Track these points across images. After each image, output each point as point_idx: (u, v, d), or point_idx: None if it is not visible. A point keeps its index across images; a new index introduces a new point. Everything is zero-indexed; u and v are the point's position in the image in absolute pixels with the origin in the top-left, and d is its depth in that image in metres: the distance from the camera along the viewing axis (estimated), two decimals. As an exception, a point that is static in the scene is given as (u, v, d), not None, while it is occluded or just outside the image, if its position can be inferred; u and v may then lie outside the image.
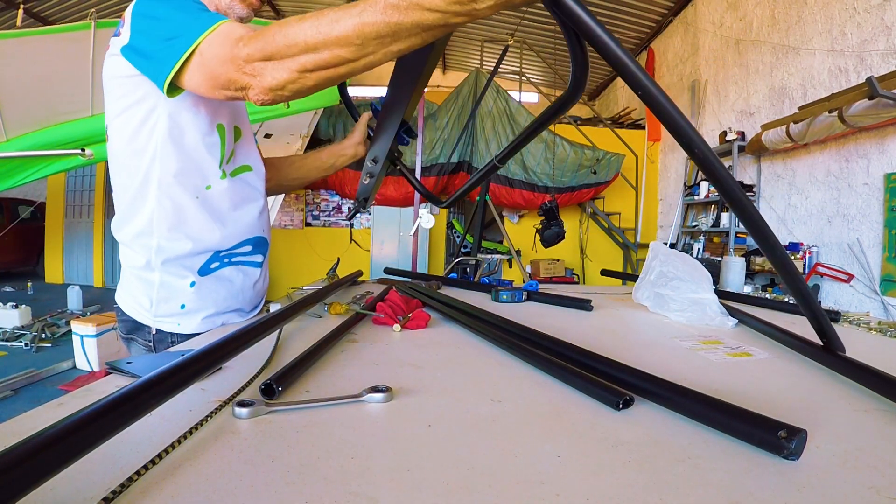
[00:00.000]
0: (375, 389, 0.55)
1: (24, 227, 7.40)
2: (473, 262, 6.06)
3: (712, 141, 5.76)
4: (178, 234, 0.90)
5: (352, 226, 7.34)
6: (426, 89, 5.25)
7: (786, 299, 1.52)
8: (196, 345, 0.83)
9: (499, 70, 5.91)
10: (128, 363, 0.63)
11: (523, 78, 7.27)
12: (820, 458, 0.43)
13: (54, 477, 0.30)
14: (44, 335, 4.51)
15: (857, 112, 3.47)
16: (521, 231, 7.10)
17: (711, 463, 0.42)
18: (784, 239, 4.68)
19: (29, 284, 7.33)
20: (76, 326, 3.71)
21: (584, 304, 1.25)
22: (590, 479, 0.39)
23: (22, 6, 6.04)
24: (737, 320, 1.06)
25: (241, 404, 0.49)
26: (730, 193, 0.56)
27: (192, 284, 0.92)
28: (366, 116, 1.28)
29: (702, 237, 5.76)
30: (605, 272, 1.96)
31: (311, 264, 6.61)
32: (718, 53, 5.84)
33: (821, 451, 0.45)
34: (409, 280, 1.73)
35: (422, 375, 0.66)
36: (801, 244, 4.40)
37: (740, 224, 5.07)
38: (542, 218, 4.96)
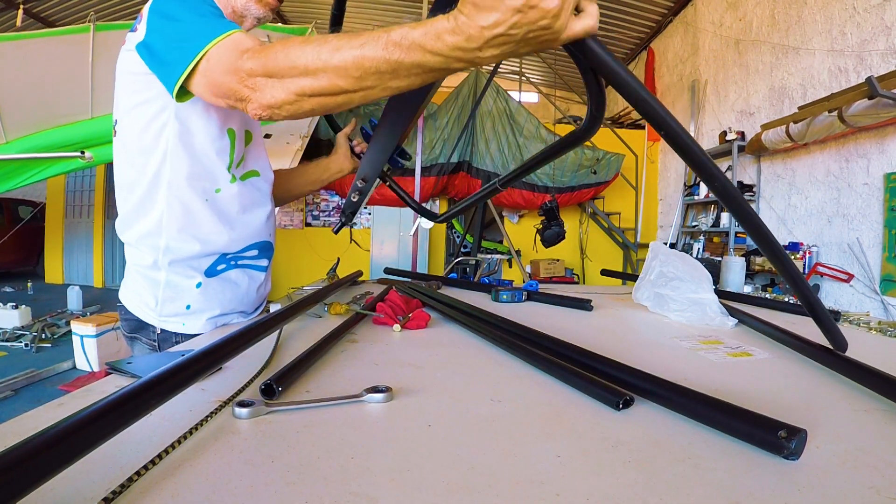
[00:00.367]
0: (375, 389, 0.55)
1: (24, 227, 7.40)
2: (473, 262, 6.07)
3: (712, 141, 5.76)
4: (187, 236, 0.90)
5: (352, 225, 7.33)
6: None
7: (786, 299, 1.52)
8: (196, 345, 0.83)
9: (499, 70, 5.92)
10: (128, 363, 0.63)
11: (523, 78, 7.27)
12: (820, 458, 0.43)
13: (54, 477, 0.30)
14: (44, 335, 4.51)
15: (857, 112, 3.47)
16: (521, 231, 7.10)
17: (711, 463, 0.42)
18: (784, 239, 4.68)
19: (29, 284, 7.33)
20: (76, 327, 3.71)
21: (584, 304, 1.25)
22: (590, 479, 0.39)
23: (22, 6, 6.04)
24: (737, 320, 1.06)
25: (241, 404, 0.49)
26: (758, 231, 0.61)
27: (199, 285, 0.93)
28: (344, 133, 1.29)
29: (702, 237, 5.76)
30: (605, 272, 1.96)
31: (311, 264, 6.61)
32: (718, 53, 5.84)
33: (821, 451, 0.45)
34: (409, 280, 1.73)
35: (422, 375, 0.66)
36: (801, 244, 4.40)
37: (740, 224, 5.09)
38: (543, 218, 4.95)
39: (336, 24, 1.14)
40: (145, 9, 0.80)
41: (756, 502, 0.36)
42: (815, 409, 0.57)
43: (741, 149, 5.05)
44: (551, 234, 4.88)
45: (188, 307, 0.92)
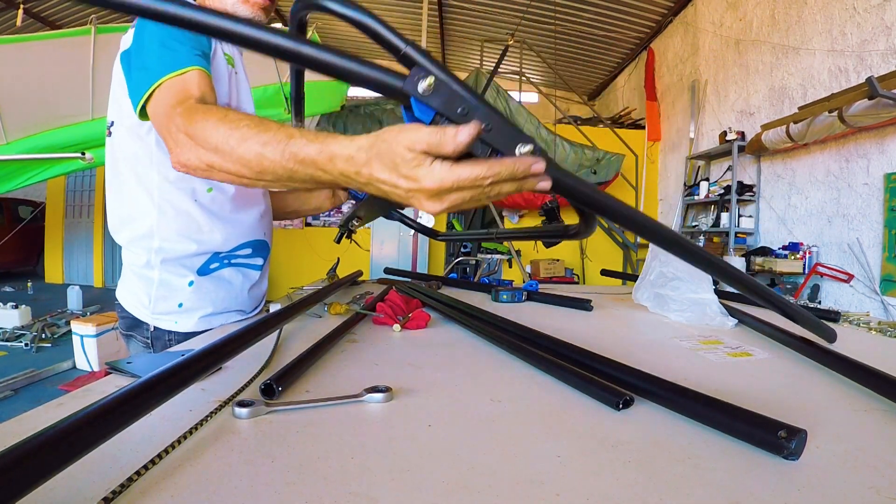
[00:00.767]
0: (375, 389, 0.55)
1: (24, 227, 7.41)
2: (473, 262, 6.07)
3: (712, 141, 5.76)
4: (179, 236, 0.90)
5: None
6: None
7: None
8: (196, 345, 0.83)
9: (499, 70, 5.91)
10: (128, 363, 0.63)
11: (523, 78, 7.27)
12: (820, 458, 0.43)
13: (54, 477, 0.30)
14: (44, 335, 4.51)
15: (857, 112, 3.47)
16: (521, 231, 7.09)
17: (711, 463, 0.42)
18: (784, 239, 4.68)
19: (29, 284, 7.33)
20: (76, 326, 3.71)
21: (584, 304, 1.25)
22: (590, 479, 0.39)
23: (22, 6, 6.04)
24: (737, 320, 1.06)
25: (241, 404, 0.49)
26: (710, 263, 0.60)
27: (191, 284, 0.93)
28: None
29: (702, 237, 5.76)
30: (605, 272, 1.96)
31: (311, 264, 6.61)
32: (718, 53, 5.84)
33: (821, 451, 0.45)
34: (409, 280, 1.73)
35: (422, 375, 0.66)
36: (801, 244, 4.39)
37: (740, 224, 5.10)
38: (543, 218, 4.96)
39: (297, 114, 1.03)
40: None
41: (756, 502, 0.36)
42: (815, 409, 0.57)
43: (741, 149, 5.05)
44: (551, 234, 4.88)
45: (180, 305, 0.93)
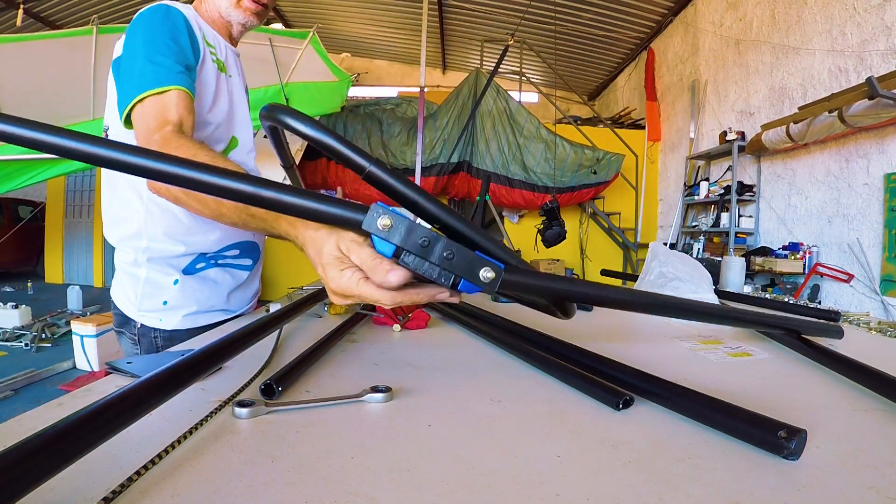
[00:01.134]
0: (375, 389, 0.55)
1: (24, 227, 7.41)
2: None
3: (712, 141, 5.76)
4: (165, 236, 0.93)
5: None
6: (426, 89, 5.20)
7: (786, 299, 1.52)
8: (196, 345, 0.83)
9: (499, 70, 5.91)
10: (128, 363, 0.63)
11: (523, 78, 7.27)
12: (820, 458, 0.43)
13: (54, 476, 0.30)
14: (44, 335, 4.51)
15: (857, 112, 3.47)
16: (521, 231, 7.09)
17: (711, 463, 0.42)
18: (784, 239, 4.68)
19: (29, 284, 7.33)
20: (76, 326, 3.71)
21: (584, 305, 1.25)
22: (590, 479, 0.39)
23: (22, 6, 6.04)
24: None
25: (241, 404, 0.49)
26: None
27: (176, 282, 0.95)
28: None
29: (702, 237, 5.76)
30: (605, 272, 1.96)
31: (311, 264, 6.60)
32: (718, 53, 5.84)
33: (821, 451, 0.45)
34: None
35: (422, 375, 0.66)
36: (801, 244, 4.40)
37: (740, 224, 5.10)
38: (543, 218, 4.96)
39: (283, 160, 1.00)
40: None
41: (756, 502, 0.36)
42: (815, 409, 0.57)
43: (741, 149, 5.06)
44: (552, 233, 4.88)
45: (165, 303, 0.94)
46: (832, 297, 4.10)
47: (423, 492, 0.36)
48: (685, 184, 6.36)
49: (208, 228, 0.95)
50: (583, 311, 1.23)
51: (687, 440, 0.47)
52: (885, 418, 0.54)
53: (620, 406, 0.53)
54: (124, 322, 0.98)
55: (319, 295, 1.06)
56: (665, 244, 1.21)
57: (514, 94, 6.60)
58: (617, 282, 2.20)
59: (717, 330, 1.02)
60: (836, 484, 0.39)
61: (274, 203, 0.45)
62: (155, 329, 0.95)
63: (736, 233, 5.04)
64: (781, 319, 0.82)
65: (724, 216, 5.19)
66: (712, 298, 1.11)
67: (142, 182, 0.89)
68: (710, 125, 5.98)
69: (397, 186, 0.49)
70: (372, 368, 0.69)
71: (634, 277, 1.33)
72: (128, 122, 0.79)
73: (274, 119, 0.50)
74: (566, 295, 0.56)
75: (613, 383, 0.57)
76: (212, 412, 0.48)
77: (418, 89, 4.73)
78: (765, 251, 4.64)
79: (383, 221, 0.44)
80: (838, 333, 0.91)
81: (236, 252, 1.01)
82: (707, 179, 5.83)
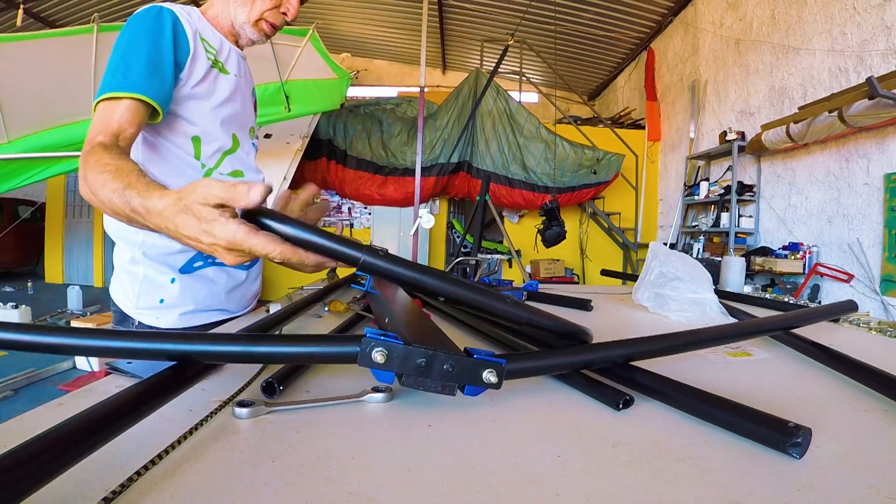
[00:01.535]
0: (375, 389, 0.55)
1: (24, 227, 7.41)
2: (473, 262, 6.06)
3: (712, 141, 5.76)
4: (161, 235, 0.92)
5: (351, 225, 7.34)
6: (426, 89, 5.19)
7: (786, 299, 1.52)
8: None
9: (499, 70, 5.91)
10: (128, 363, 0.63)
11: (523, 78, 7.27)
12: (820, 458, 0.43)
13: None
14: (44, 335, 4.50)
15: (857, 112, 3.47)
16: (521, 231, 7.10)
17: (711, 462, 0.42)
18: (784, 239, 4.68)
19: (29, 284, 7.33)
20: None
21: (584, 304, 1.25)
22: (590, 479, 0.39)
23: (22, 6, 6.04)
24: (737, 320, 1.06)
25: (241, 404, 0.49)
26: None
27: (173, 281, 0.95)
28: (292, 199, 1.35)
29: (702, 237, 5.76)
30: (605, 272, 1.96)
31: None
32: (718, 53, 5.84)
33: (821, 451, 0.45)
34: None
35: (422, 375, 0.66)
36: (801, 244, 4.40)
37: (740, 224, 5.10)
38: (543, 218, 4.96)
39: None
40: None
41: (756, 502, 0.36)
42: (815, 409, 0.57)
43: (741, 149, 5.05)
44: (552, 233, 4.88)
45: (161, 301, 0.95)
46: (832, 297, 4.10)
47: (423, 492, 0.36)
48: (685, 184, 6.36)
49: None
50: (583, 310, 1.23)
51: (687, 440, 0.47)
52: (885, 418, 0.54)
53: (620, 406, 0.53)
54: (122, 319, 0.98)
55: (319, 295, 1.06)
56: (665, 244, 1.21)
57: (514, 94, 6.60)
58: (617, 282, 2.20)
59: (717, 330, 1.02)
60: (837, 484, 0.39)
61: (262, 356, 0.49)
62: (151, 328, 0.95)
63: (736, 233, 5.04)
64: (793, 317, 0.83)
65: (724, 216, 5.19)
66: (712, 298, 1.11)
67: None
68: (710, 125, 5.98)
69: (395, 270, 0.50)
70: (372, 368, 0.69)
71: (634, 277, 1.33)
72: None
73: (259, 223, 0.49)
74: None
75: (614, 382, 0.57)
76: (212, 412, 0.48)
77: (418, 89, 4.73)
78: (765, 251, 4.64)
79: (377, 357, 0.45)
80: (853, 308, 1.05)
81: None
82: (707, 179, 5.83)
